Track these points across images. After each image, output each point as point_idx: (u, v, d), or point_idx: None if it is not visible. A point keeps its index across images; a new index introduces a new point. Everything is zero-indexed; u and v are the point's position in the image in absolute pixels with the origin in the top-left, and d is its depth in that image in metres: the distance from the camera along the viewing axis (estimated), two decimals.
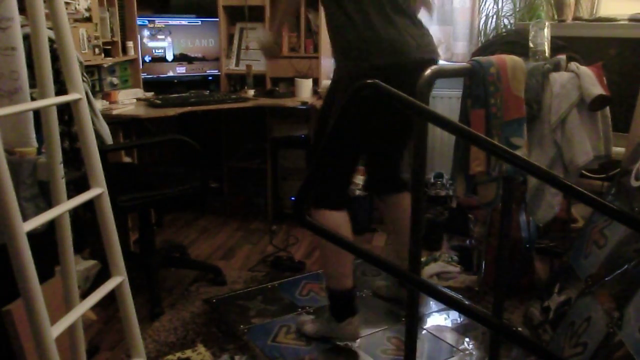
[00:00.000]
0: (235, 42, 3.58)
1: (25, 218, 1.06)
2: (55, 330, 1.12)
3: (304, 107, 3.19)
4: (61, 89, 1.47)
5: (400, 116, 2.16)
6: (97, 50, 2.81)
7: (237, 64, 3.58)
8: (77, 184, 1.85)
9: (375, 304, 2.50)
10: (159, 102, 3.04)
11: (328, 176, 2.09)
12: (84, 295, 1.35)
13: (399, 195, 2.34)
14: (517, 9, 3.35)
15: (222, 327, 2.30)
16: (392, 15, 1.99)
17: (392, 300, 2.47)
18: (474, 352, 2.14)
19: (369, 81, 1.18)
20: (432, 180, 3.36)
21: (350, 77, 2.00)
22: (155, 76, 3.43)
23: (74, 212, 1.58)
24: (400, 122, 2.19)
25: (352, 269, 2.13)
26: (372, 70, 1.95)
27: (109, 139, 2.27)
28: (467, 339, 2.22)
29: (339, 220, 2.09)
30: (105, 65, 2.98)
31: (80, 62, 1.96)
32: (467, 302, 2.38)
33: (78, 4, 2.64)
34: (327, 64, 3.40)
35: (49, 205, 1.40)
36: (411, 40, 2.00)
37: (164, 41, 3.43)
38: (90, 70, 2.83)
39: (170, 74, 3.49)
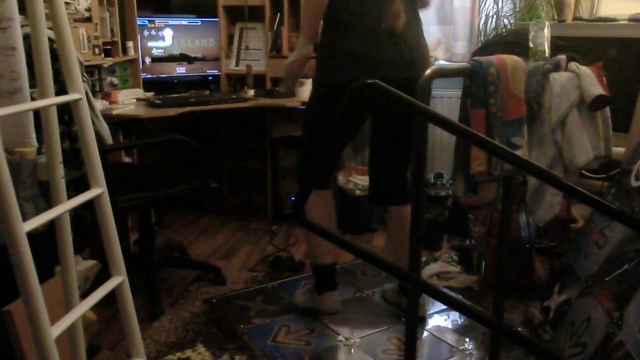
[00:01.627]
0: (235, 42, 3.58)
1: (25, 218, 1.06)
2: (55, 330, 1.12)
3: (304, 107, 3.19)
4: (61, 89, 1.47)
5: (391, 119, 2.20)
6: (97, 50, 2.81)
7: (237, 64, 3.58)
8: (77, 184, 1.85)
9: (375, 304, 2.50)
10: (159, 102, 3.04)
11: (308, 157, 2.19)
12: (84, 295, 1.35)
13: (401, 208, 2.29)
14: (517, 9, 3.35)
15: (222, 327, 2.30)
16: (366, 31, 2.02)
17: (394, 305, 2.48)
18: (474, 353, 2.14)
19: (369, 81, 1.18)
20: (432, 180, 3.36)
21: (317, 96, 2.20)
22: (155, 76, 3.43)
23: (74, 212, 1.58)
24: (393, 125, 2.22)
25: (331, 247, 2.28)
26: (332, 90, 2.07)
27: (109, 139, 2.27)
28: (467, 339, 2.22)
29: (319, 199, 2.22)
30: (105, 65, 2.98)
31: (80, 62, 1.96)
32: (467, 302, 2.38)
33: (78, 4, 2.64)
34: None
35: (49, 205, 1.40)
36: (386, 56, 2.02)
37: (164, 41, 3.43)
38: (90, 70, 2.83)
39: (170, 74, 3.49)
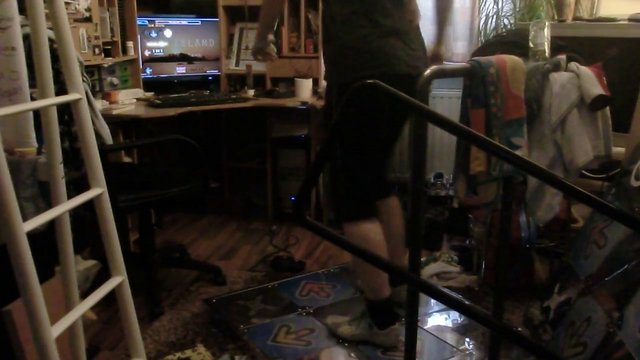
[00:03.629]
0: (235, 42, 3.58)
1: (25, 218, 1.06)
2: (55, 330, 1.12)
3: (304, 107, 3.19)
4: (61, 89, 1.47)
5: (395, 118, 2.19)
6: (97, 50, 2.81)
7: (237, 64, 3.58)
8: (77, 184, 1.85)
9: None
10: (159, 102, 3.04)
11: (350, 188, 2.08)
12: (84, 295, 1.35)
13: (390, 200, 2.32)
14: (517, 9, 3.35)
15: (222, 327, 2.30)
16: (384, 27, 1.99)
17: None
18: (474, 352, 2.14)
19: (369, 81, 1.18)
20: (432, 180, 3.36)
21: (339, 86, 2.05)
22: (155, 76, 3.43)
23: (74, 212, 1.58)
24: (394, 124, 2.21)
25: (387, 278, 2.13)
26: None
27: (109, 139, 2.26)
28: (467, 339, 2.22)
29: (374, 230, 2.08)
30: (105, 65, 2.98)
31: (80, 62, 1.96)
32: (467, 302, 2.38)
33: (78, 4, 2.64)
34: None
35: (49, 205, 1.40)
36: (401, 53, 2.00)
37: (164, 41, 3.43)
38: (90, 70, 2.83)
39: (170, 74, 3.49)
